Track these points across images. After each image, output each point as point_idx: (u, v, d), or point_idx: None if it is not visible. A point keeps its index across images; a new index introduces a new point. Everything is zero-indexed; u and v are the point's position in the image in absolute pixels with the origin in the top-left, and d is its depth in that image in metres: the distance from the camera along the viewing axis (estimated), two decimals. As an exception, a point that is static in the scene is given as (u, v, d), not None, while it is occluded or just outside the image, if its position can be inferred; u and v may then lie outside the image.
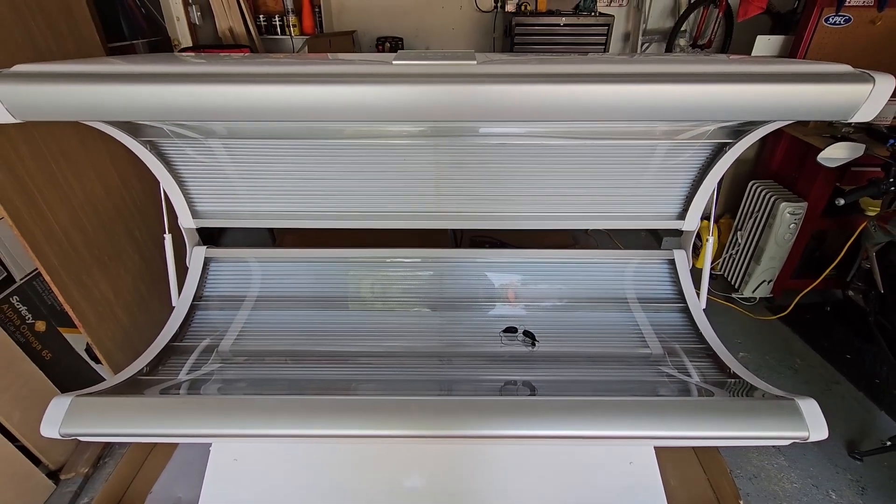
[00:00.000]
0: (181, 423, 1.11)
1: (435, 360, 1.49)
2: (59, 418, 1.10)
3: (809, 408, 1.10)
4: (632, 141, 1.46)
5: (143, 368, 1.40)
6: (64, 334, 1.90)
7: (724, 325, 2.46)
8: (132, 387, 1.30)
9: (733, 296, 2.64)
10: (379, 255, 1.78)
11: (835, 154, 1.67)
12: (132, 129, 1.36)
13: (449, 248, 1.81)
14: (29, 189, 1.70)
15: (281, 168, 1.56)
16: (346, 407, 1.12)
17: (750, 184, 2.54)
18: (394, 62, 0.98)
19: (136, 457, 1.60)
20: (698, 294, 1.65)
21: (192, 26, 2.97)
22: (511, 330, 1.55)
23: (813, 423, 1.08)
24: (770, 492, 1.68)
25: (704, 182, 1.51)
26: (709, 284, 2.69)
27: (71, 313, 1.86)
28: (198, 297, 1.69)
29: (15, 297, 1.72)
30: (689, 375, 1.37)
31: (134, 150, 1.41)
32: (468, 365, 1.48)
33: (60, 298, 1.81)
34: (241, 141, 1.46)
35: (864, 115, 0.95)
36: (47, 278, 1.76)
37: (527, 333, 1.52)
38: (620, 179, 1.57)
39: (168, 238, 1.62)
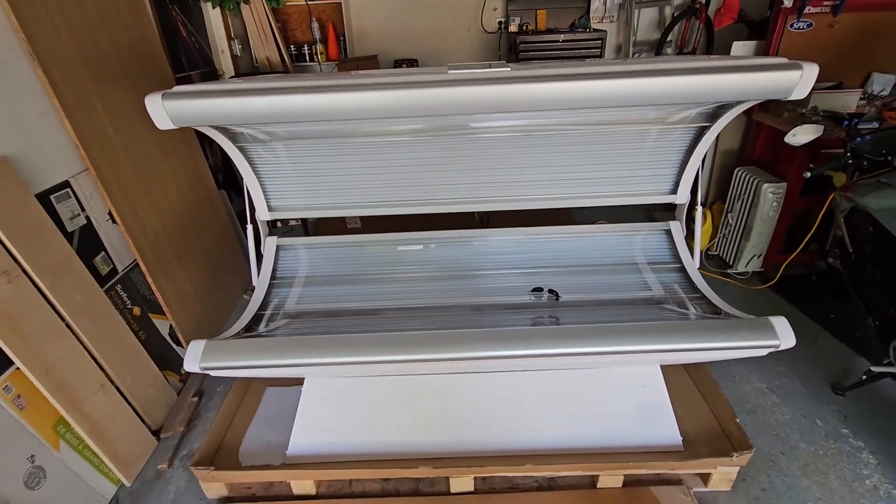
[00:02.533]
0: (290, 354, 1.42)
1: (472, 312, 1.80)
2: (198, 356, 1.42)
3: (780, 324, 1.41)
4: (628, 126, 1.79)
5: (239, 331, 1.73)
6: (153, 319, 2.22)
7: (721, 297, 2.75)
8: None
9: (728, 271, 2.94)
10: (414, 237, 2.11)
11: (798, 134, 2.00)
12: (230, 135, 1.71)
13: (477, 228, 2.13)
14: (129, 195, 2.05)
15: (330, 166, 1.89)
16: (408, 339, 1.44)
17: (736, 170, 2.87)
18: (449, 71, 1.32)
19: (229, 410, 1.90)
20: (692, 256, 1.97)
21: (234, 57, 3.37)
22: (538, 290, 1.86)
23: (783, 335, 1.39)
24: (766, 422, 1.96)
25: (690, 160, 1.84)
26: (706, 263, 3.00)
27: (160, 300, 2.19)
28: (273, 277, 2.02)
29: (119, 285, 2.05)
30: (687, 312, 1.68)
31: (230, 154, 1.76)
32: (503, 314, 1.79)
33: (153, 287, 2.15)
34: (301, 143, 1.80)
35: (799, 94, 1.28)
36: (143, 269, 2.10)
37: (551, 291, 1.84)
38: (622, 161, 1.91)
39: (250, 228, 1.95)
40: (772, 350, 1.40)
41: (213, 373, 1.47)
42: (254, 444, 1.80)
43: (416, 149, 1.85)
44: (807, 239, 2.47)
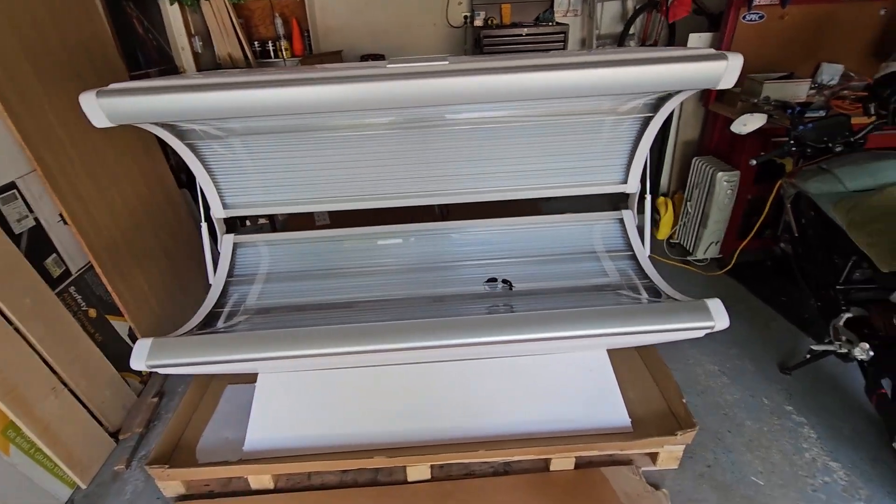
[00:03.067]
0: (236, 350, 1.43)
1: (432, 303, 1.83)
2: (144, 354, 1.42)
3: (715, 306, 1.46)
4: (578, 117, 1.83)
5: (192, 328, 1.73)
6: (110, 321, 2.19)
7: (680, 283, 2.82)
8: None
9: (688, 259, 3.02)
10: (376, 232, 2.12)
11: (743, 123, 2.06)
12: (178, 133, 1.70)
13: (436, 221, 2.16)
14: (82, 196, 2.02)
15: (290, 161, 1.89)
16: (353, 332, 1.46)
17: (693, 160, 2.94)
18: (388, 65, 1.34)
19: (187, 409, 1.90)
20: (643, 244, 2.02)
21: (195, 54, 3.32)
22: (492, 280, 1.89)
23: (717, 316, 1.44)
24: (715, 402, 2.03)
25: (638, 150, 1.89)
26: (668, 251, 3.07)
27: (117, 301, 2.17)
28: (230, 275, 2.02)
29: (72, 287, 2.02)
30: (639, 297, 1.74)
31: (179, 152, 1.75)
32: (460, 304, 1.82)
33: (109, 288, 2.12)
34: (259, 139, 1.80)
35: (726, 83, 1.33)
36: (98, 270, 2.08)
37: (504, 281, 1.87)
38: (574, 152, 1.94)
39: (204, 226, 1.95)
40: (707, 331, 1.46)
41: (161, 370, 1.47)
42: (211, 441, 1.81)
43: (372, 143, 1.86)
44: (758, 225, 2.55)
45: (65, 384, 1.82)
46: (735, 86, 1.38)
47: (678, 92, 1.60)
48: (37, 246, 1.88)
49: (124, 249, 2.24)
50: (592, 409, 1.73)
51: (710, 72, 1.31)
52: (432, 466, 1.72)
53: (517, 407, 1.74)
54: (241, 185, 1.95)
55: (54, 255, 1.96)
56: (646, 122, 1.84)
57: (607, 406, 1.72)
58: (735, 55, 1.30)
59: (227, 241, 2.06)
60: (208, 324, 1.81)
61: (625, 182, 2.00)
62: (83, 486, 1.80)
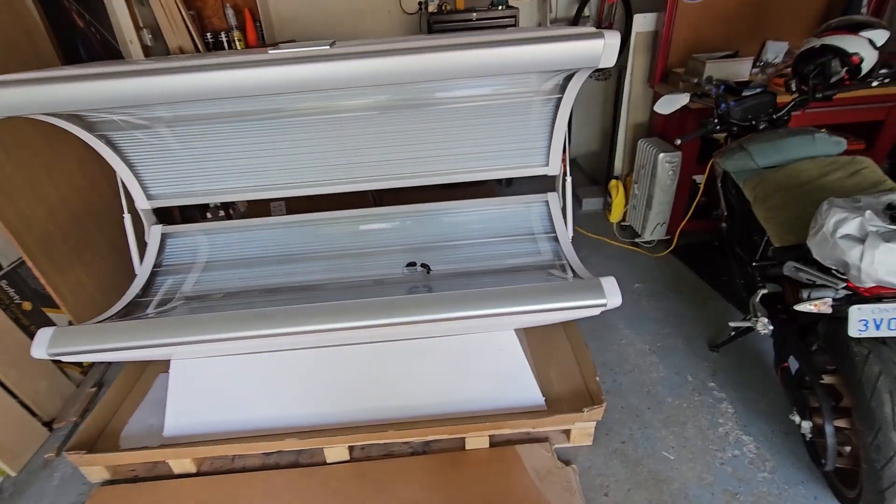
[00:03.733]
0: (134, 337, 1.45)
1: (349, 288, 1.85)
2: (45, 343, 1.44)
3: (608, 284, 1.48)
4: (494, 99, 1.84)
5: (111, 316, 1.75)
6: (48, 313, 2.22)
7: (628, 265, 2.85)
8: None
9: (636, 240, 3.03)
10: (305, 219, 2.14)
11: (668, 102, 2.07)
12: (86, 125, 1.71)
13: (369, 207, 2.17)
14: (8, 189, 2.04)
15: (214, 149, 1.91)
16: (260, 316, 1.48)
17: (639, 142, 2.95)
18: (269, 51, 1.35)
19: (116, 396, 1.94)
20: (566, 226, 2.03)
21: (145, 48, 3.31)
22: (412, 264, 1.92)
23: (610, 294, 1.46)
24: (640, 381, 2.06)
25: (555, 132, 1.90)
26: (619, 234, 3.08)
27: (53, 295, 2.19)
28: (157, 265, 2.04)
29: (3, 280, 2.05)
30: (548, 278, 1.76)
31: (88, 142, 1.76)
32: (381, 288, 1.84)
33: (42, 282, 2.15)
34: (180, 128, 1.81)
35: (606, 62, 1.34)
36: (30, 265, 2.10)
37: (423, 265, 1.89)
38: (494, 135, 1.96)
39: (128, 217, 1.97)
40: (601, 308, 1.48)
41: (65, 358, 1.49)
42: (136, 428, 1.84)
43: (294, 130, 1.88)
44: (694, 205, 2.56)
45: (-13, 376, 1.85)
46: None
47: (577, 71, 1.61)
48: (-39, 241, 1.91)
49: (61, 243, 2.26)
50: (505, 388, 1.76)
51: (588, 51, 1.32)
52: (351, 448, 1.76)
53: (433, 388, 1.77)
54: (163, 175, 1.96)
55: (-19, 249, 1.98)
56: (558, 104, 1.84)
57: (519, 385, 1.75)
58: (612, 33, 1.31)
59: (154, 232, 2.08)
60: (131, 312, 1.84)
61: (546, 165, 2.01)
62: (12, 474, 1.84)
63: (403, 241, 2.10)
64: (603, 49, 1.31)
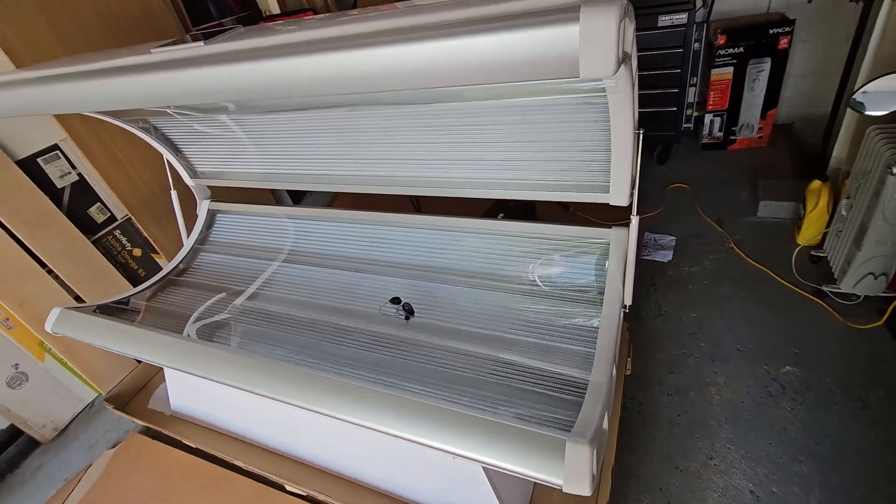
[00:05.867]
0: (122, 346, 1.49)
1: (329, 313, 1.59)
2: (52, 321, 1.61)
3: (576, 455, 0.87)
4: (527, 99, 1.21)
5: (141, 291, 1.89)
6: (156, 259, 2.60)
7: (791, 327, 1.83)
8: (116, 307, 1.77)
9: (825, 288, 1.91)
10: (322, 215, 1.90)
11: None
12: (116, 113, 1.74)
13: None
14: (114, 154, 2.32)
15: (262, 134, 1.74)
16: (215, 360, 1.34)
17: (868, 129, 1.71)
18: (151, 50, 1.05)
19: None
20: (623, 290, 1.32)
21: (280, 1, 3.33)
22: (396, 300, 1.52)
23: (572, 472, 0.86)
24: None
25: (614, 143, 1.16)
26: (800, 269, 2.00)
27: (155, 245, 2.53)
28: (202, 241, 2.12)
29: (117, 230, 2.43)
30: (551, 386, 1.18)
31: (128, 129, 1.80)
32: (352, 323, 1.53)
33: (144, 233, 2.48)
34: (217, 116, 1.70)
35: (593, 71, 0.64)
36: (133, 219, 2.43)
37: (405, 307, 1.48)
38: (533, 144, 1.32)
39: (174, 193, 2.04)
40: (555, 487, 0.89)
41: (72, 336, 1.66)
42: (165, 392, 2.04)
43: (339, 122, 1.57)
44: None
45: (91, 313, 2.25)
46: None
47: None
48: (81, 197, 2.28)
49: (155, 202, 2.53)
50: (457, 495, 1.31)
51: (553, 48, 0.64)
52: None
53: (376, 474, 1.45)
54: (206, 156, 1.94)
55: (98, 203, 2.35)
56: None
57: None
58: (602, 8, 0.60)
59: (202, 206, 2.13)
60: (165, 287, 1.96)
61: (606, 191, 1.29)
62: (103, 394, 2.28)
63: (410, 258, 1.69)
64: (581, 43, 0.62)
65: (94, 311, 1.69)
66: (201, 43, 0.98)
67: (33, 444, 2.08)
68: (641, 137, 1.16)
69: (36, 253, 2.07)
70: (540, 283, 1.45)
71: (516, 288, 1.48)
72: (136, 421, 1.93)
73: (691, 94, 2.75)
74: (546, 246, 1.48)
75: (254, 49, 0.86)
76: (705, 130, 2.91)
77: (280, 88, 0.84)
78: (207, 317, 1.73)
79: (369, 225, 1.82)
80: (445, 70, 0.72)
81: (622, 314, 1.31)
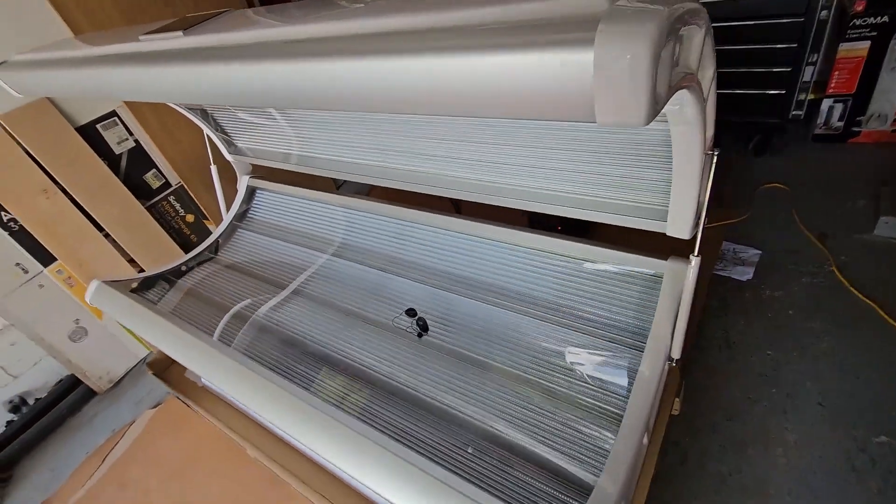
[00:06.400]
0: (141, 330, 1.51)
1: (345, 317, 1.50)
2: (91, 293, 1.67)
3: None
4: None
5: (178, 266, 1.92)
6: (207, 225, 2.66)
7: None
8: (156, 281, 1.81)
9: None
10: (360, 206, 1.79)
11: None
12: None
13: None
14: (167, 123, 2.35)
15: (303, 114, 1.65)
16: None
17: None
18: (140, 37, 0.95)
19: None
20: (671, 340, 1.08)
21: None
22: (411, 312, 1.39)
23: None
24: None
25: (676, 166, 0.91)
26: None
27: (205, 212, 2.59)
28: (240, 216, 2.10)
29: (172, 196, 2.50)
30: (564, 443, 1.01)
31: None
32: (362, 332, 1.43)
33: (195, 200, 2.53)
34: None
35: (611, 116, 0.42)
36: (186, 188, 2.48)
37: (420, 322, 1.35)
38: (588, 155, 1.10)
39: (214, 168, 2.02)
40: None
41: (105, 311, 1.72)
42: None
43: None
44: None
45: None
46: None
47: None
48: (137, 163, 2.35)
49: (205, 172, 2.56)
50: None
51: (563, 86, 0.44)
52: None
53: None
54: (245, 134, 1.88)
55: (153, 170, 2.41)
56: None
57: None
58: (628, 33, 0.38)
59: (242, 182, 2.10)
60: (201, 263, 1.98)
61: (664, 219, 1.04)
62: (154, 353, 2.42)
63: (439, 264, 1.54)
64: (595, 79, 0.41)
65: (132, 289, 1.72)
66: (180, 33, 0.85)
67: (91, 394, 2.27)
68: (716, 158, 0.90)
69: (94, 217, 2.17)
70: (574, 314, 1.24)
71: (544, 315, 1.28)
72: (169, 390, 2.01)
73: (808, 74, 2.25)
74: (590, 270, 1.26)
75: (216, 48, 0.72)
76: (821, 119, 2.40)
77: (234, 94, 0.70)
78: (233, 321, 1.68)
79: (403, 222, 1.67)
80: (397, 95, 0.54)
81: (667, 367, 1.09)
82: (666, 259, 1.15)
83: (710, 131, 0.87)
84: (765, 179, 2.34)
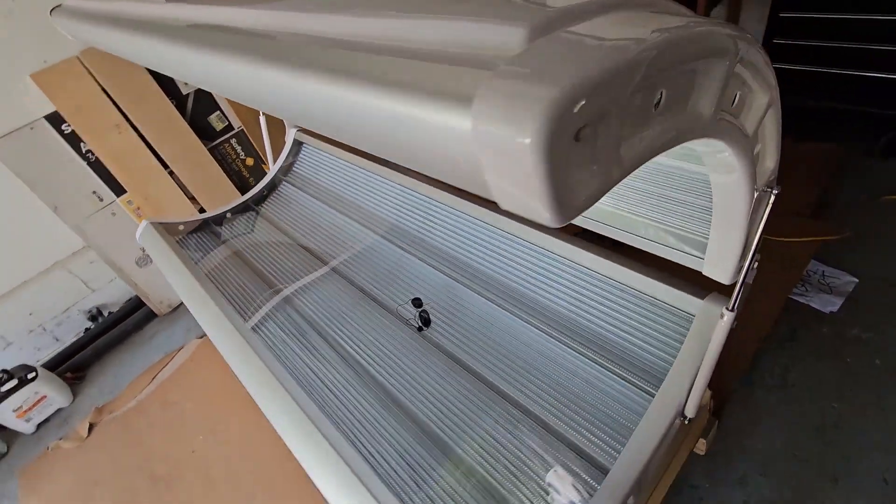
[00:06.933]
0: (179, 289, 1.59)
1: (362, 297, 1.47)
2: (139, 234, 1.79)
3: None
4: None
5: (226, 212, 1.99)
6: (265, 170, 2.73)
7: None
8: (205, 226, 1.89)
9: None
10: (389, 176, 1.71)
11: None
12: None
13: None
14: (231, 64, 2.37)
15: None
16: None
17: None
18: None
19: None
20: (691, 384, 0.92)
21: None
22: (417, 301, 1.32)
23: None
24: None
25: (716, 201, 0.72)
26: None
27: (262, 156, 2.65)
28: (286, 169, 2.12)
29: (234, 139, 2.57)
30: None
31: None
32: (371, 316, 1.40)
33: (254, 145, 2.59)
34: None
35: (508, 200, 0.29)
36: (246, 131, 2.54)
37: (423, 313, 1.27)
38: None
39: (263, 118, 2.02)
40: None
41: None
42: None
43: None
44: None
45: (202, 212, 2.50)
46: None
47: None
48: (202, 104, 2.42)
49: (269, 117, 2.59)
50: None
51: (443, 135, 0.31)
52: None
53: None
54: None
55: (217, 112, 2.48)
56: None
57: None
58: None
59: (290, 134, 2.09)
60: (241, 212, 2.04)
61: (701, 257, 0.85)
62: (208, 285, 2.60)
63: (462, 254, 1.44)
64: (480, 150, 0.28)
65: (178, 238, 1.81)
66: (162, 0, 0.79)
67: (152, 315, 2.51)
68: (774, 198, 0.69)
69: (160, 154, 2.29)
70: (587, 337, 1.10)
71: (554, 333, 1.15)
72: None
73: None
74: (616, 290, 1.10)
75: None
76: None
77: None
78: (260, 296, 1.69)
79: (435, 203, 1.58)
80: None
81: (677, 423, 0.94)
82: (703, 298, 0.96)
83: (771, 162, 0.67)
84: (888, 189, 1.91)
